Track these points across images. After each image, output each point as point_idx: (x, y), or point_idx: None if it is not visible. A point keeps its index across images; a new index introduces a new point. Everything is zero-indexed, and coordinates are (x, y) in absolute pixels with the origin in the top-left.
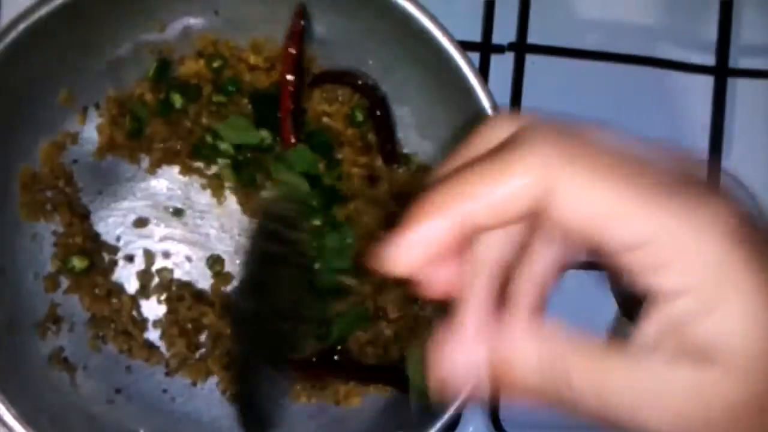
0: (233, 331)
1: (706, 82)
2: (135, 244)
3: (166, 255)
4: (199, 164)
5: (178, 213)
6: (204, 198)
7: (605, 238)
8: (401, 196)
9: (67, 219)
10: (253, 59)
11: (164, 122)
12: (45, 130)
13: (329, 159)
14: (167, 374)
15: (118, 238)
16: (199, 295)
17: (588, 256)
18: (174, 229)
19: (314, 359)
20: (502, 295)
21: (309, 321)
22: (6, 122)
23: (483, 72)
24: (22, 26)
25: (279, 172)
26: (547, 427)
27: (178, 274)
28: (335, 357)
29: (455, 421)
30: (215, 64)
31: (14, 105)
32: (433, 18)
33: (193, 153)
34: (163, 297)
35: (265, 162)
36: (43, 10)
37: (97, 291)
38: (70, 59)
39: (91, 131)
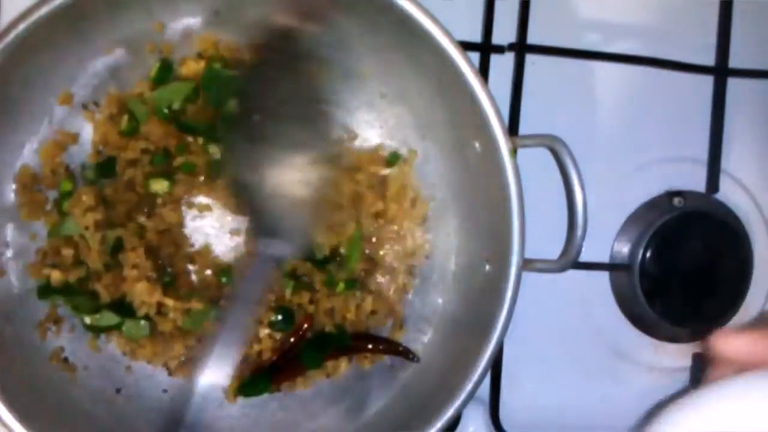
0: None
1: (706, 82)
2: None
3: None
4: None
5: None
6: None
7: None
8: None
9: None
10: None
11: (160, 122)
12: (45, 130)
13: None
14: (169, 374)
15: None
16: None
17: None
18: None
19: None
20: None
21: None
22: (5, 122)
23: (483, 72)
24: (22, 26)
25: None
26: (546, 426)
27: None
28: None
29: (455, 420)
30: (216, 66)
31: (14, 105)
32: (433, 18)
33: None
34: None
35: None
36: (43, 10)
37: None
38: (71, 59)
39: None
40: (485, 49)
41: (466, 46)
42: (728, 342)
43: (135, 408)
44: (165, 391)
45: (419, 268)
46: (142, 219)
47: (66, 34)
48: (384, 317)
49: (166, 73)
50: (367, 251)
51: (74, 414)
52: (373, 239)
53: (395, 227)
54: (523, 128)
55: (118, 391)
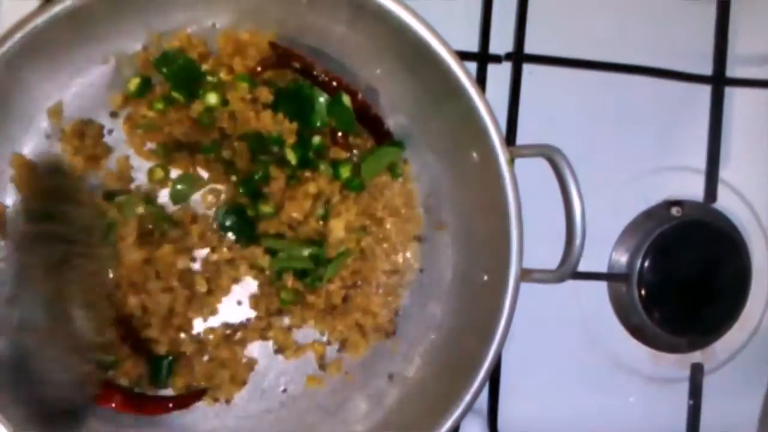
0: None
1: (704, 91)
2: None
3: None
4: None
5: None
6: None
7: None
8: None
9: None
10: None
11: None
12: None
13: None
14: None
15: None
16: None
17: None
18: None
19: None
20: None
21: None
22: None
23: (480, 82)
24: (19, 34)
25: None
26: None
27: None
28: None
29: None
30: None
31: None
32: (430, 28)
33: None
34: None
35: None
36: (41, 19)
37: None
38: (67, 67)
39: None
40: (483, 58)
41: (463, 56)
42: None
43: (132, 419)
44: None
45: (416, 278)
46: None
47: (63, 42)
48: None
49: (144, 89)
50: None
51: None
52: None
53: (387, 243)
54: (521, 137)
55: None
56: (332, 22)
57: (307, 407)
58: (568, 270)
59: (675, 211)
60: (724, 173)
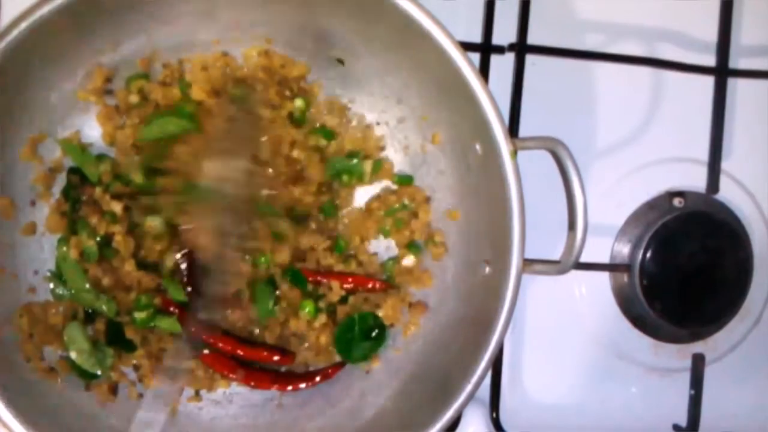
0: None
1: (707, 82)
2: None
3: None
4: None
5: None
6: None
7: None
8: None
9: None
10: None
11: None
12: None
13: None
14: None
15: None
16: None
17: None
18: None
19: None
20: None
21: None
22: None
23: (483, 72)
24: (24, 24)
25: None
26: (546, 427)
27: None
28: None
29: (456, 420)
30: None
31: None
32: (433, 19)
33: None
34: None
35: None
36: (45, 9)
37: None
38: (71, 57)
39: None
40: (485, 49)
41: (466, 47)
42: None
43: (136, 407)
44: None
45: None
46: None
47: (66, 33)
48: None
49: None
50: None
51: (74, 414)
52: None
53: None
54: (524, 128)
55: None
56: (335, 13)
57: (307, 397)
58: (571, 262)
59: (677, 202)
60: (727, 164)
